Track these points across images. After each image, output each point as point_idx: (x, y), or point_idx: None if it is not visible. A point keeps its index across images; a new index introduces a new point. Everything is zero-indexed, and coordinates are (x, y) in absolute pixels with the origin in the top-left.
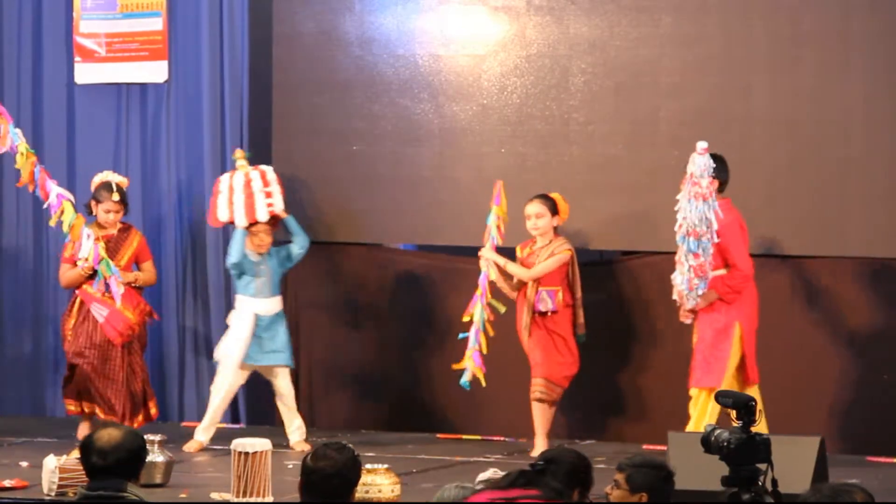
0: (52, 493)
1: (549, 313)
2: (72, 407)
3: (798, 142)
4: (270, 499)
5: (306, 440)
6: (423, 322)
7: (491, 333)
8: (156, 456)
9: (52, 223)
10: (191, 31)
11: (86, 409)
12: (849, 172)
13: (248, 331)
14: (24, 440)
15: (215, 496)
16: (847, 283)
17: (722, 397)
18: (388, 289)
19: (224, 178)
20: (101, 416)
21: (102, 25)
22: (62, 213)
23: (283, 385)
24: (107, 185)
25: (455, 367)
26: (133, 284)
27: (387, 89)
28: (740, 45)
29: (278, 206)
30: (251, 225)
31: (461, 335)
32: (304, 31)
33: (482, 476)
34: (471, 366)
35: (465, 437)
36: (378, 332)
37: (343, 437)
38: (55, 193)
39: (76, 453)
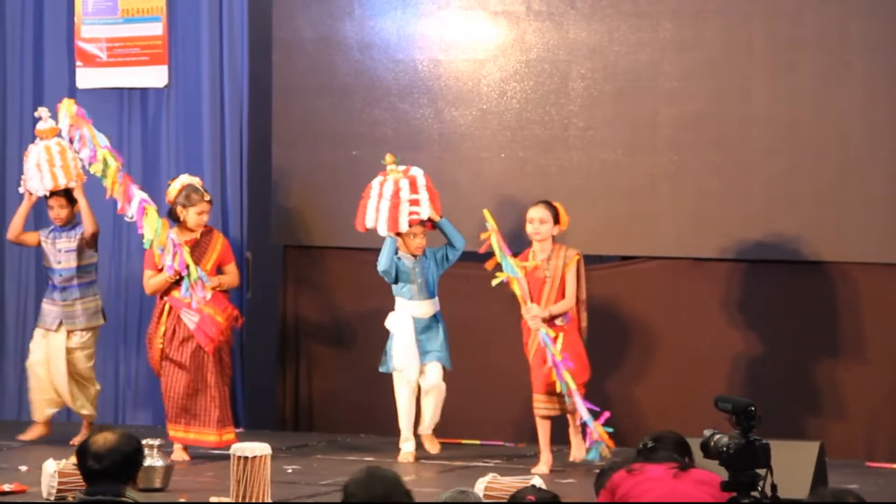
0: (51, 498)
1: (565, 325)
2: (180, 434)
3: (797, 146)
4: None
5: (434, 434)
6: None
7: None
8: (155, 460)
9: (146, 240)
10: (191, 36)
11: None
12: (848, 177)
13: (411, 339)
14: (23, 444)
15: (214, 500)
16: (846, 288)
17: (721, 402)
18: (388, 292)
19: (374, 184)
20: (192, 435)
21: (103, 30)
22: (146, 217)
23: (431, 377)
24: (195, 188)
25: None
26: (218, 288)
27: (386, 94)
28: (739, 50)
29: (424, 213)
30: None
31: (582, 421)
32: (303, 36)
33: (482, 481)
34: (601, 434)
35: (464, 441)
36: (378, 335)
37: (343, 441)
38: (138, 199)
39: (75, 458)
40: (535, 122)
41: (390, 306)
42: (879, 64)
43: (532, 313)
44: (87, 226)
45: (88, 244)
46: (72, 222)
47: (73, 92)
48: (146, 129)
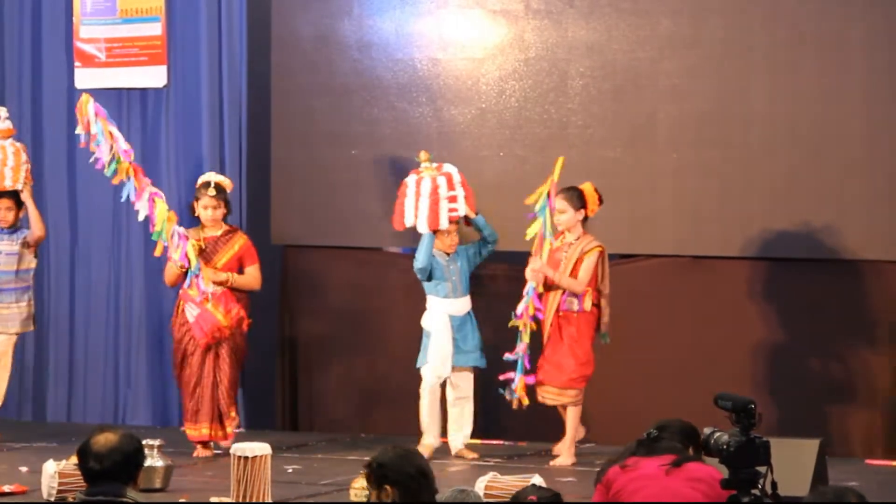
0: (52, 498)
1: (576, 314)
2: (199, 431)
3: (797, 144)
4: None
5: (467, 447)
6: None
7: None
8: (155, 460)
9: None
10: (190, 36)
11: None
12: (848, 175)
13: (449, 339)
14: (23, 445)
15: (215, 500)
16: (847, 285)
17: (721, 400)
18: (388, 292)
19: (410, 182)
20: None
21: (102, 30)
22: (156, 209)
23: (463, 387)
24: (204, 183)
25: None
26: (226, 286)
27: (385, 93)
28: (739, 48)
29: (461, 210)
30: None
31: (508, 357)
32: (302, 36)
33: (482, 480)
34: (520, 385)
35: None
36: (378, 335)
37: (343, 440)
38: (148, 193)
39: (75, 458)
40: (534, 121)
41: (391, 306)
42: (879, 64)
43: (535, 266)
44: (34, 229)
45: (31, 249)
46: (16, 225)
47: (71, 92)
48: (145, 129)
